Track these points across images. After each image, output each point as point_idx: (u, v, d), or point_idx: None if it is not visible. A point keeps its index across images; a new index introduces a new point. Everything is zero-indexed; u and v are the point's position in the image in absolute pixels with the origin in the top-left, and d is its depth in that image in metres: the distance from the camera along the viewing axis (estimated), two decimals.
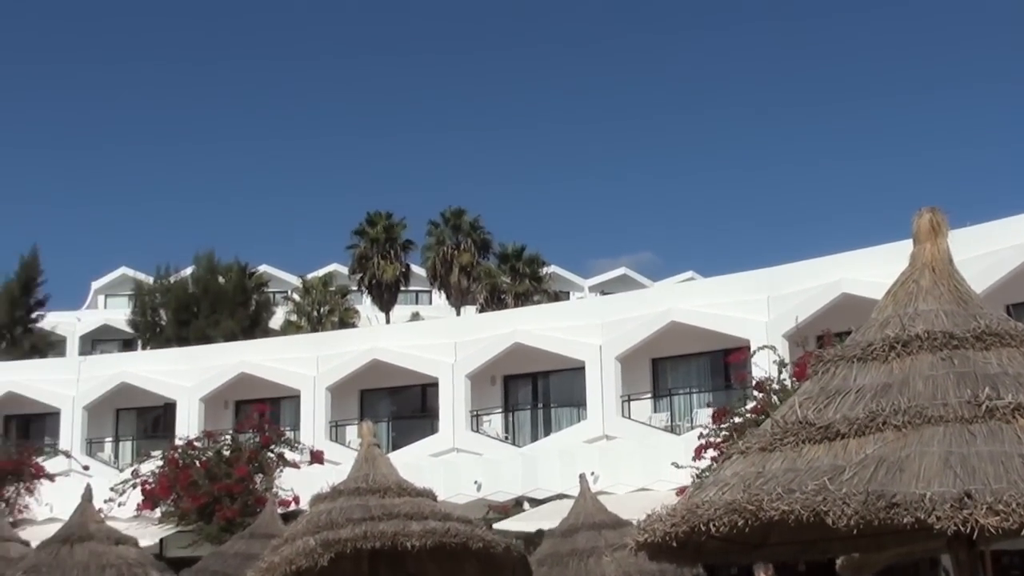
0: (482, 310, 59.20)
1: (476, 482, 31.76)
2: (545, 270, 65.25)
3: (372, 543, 10.58)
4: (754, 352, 28.74)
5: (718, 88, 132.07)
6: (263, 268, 65.06)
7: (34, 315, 59.85)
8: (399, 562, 12.11)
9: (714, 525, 6.69)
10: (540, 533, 22.57)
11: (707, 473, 23.52)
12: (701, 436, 25.64)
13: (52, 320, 61.78)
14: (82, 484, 34.00)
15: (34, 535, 29.45)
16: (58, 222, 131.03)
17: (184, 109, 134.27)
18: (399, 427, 39.42)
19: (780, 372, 25.12)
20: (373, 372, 38.83)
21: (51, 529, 27.83)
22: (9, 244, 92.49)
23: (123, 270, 72.71)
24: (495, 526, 25.44)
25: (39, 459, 39.43)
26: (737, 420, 24.90)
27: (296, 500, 31.01)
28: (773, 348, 27.00)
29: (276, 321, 60.12)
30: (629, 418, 34.51)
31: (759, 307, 32.27)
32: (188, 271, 60.63)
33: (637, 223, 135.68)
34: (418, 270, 66.66)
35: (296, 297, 62.11)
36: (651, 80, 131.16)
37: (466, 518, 11.72)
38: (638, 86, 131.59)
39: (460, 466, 33.03)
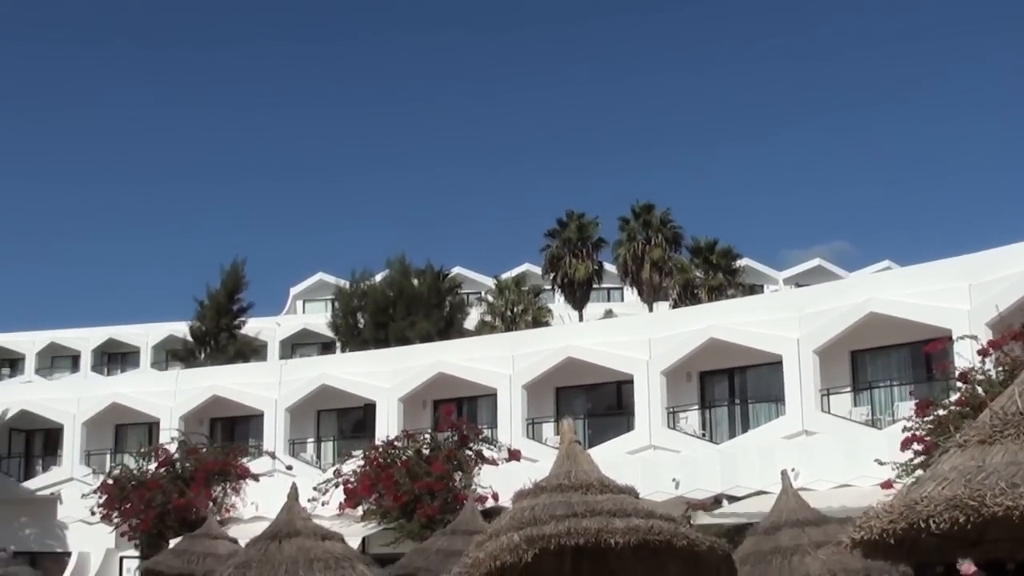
0: (675, 306, 58.80)
1: (674, 480, 31.44)
2: (738, 263, 64.47)
3: (575, 539, 10.52)
4: (955, 341, 27.94)
5: (909, 72, 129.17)
6: (456, 270, 65.79)
7: (237, 322, 61.55)
8: (602, 559, 12.02)
9: (934, 522, 6.45)
10: (741, 530, 22.28)
11: (915, 468, 22.94)
12: (906, 429, 24.95)
13: (254, 326, 63.46)
14: (285, 484, 34.76)
15: (241, 533, 30.29)
16: (259, 233, 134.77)
17: (374, 118, 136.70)
18: (595, 424, 39.32)
19: (984, 362, 24.32)
20: (568, 370, 38.84)
21: (257, 527, 28.51)
22: (215, 256, 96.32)
23: (320, 276, 74.31)
24: (694, 524, 25.24)
25: (244, 460, 40.47)
26: (941, 413, 24.18)
27: (495, 497, 31.20)
28: (975, 337, 26.18)
29: (471, 322, 60.67)
30: (829, 412, 33.79)
31: (960, 295, 31.25)
32: (383, 274, 61.56)
33: (829, 211, 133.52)
34: (610, 267, 66.51)
35: (490, 298, 62.59)
36: (834, 64, 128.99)
37: (669, 515, 11.58)
38: (825, 69, 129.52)
39: (657, 463, 32.75)
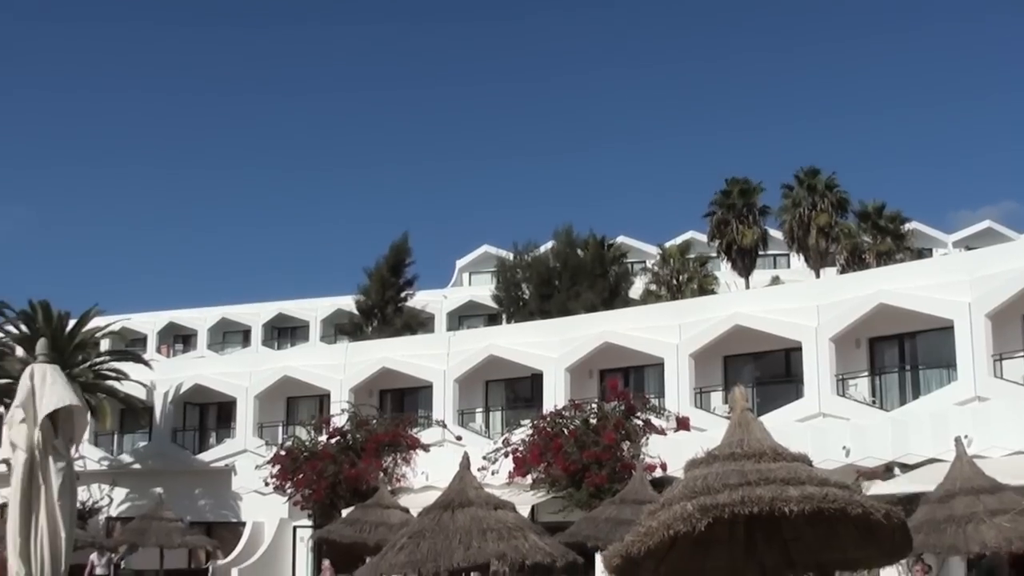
0: (843, 271, 57.76)
1: (844, 447, 30.95)
2: (906, 227, 63.07)
3: (749, 508, 10.41)
4: None
5: None
6: (620, 239, 65.50)
7: (404, 295, 62.18)
8: (774, 528, 11.89)
9: None
10: (913, 500, 21.86)
11: None
12: None
13: (420, 299, 64.08)
14: (455, 454, 35.20)
15: (411, 503, 30.70)
16: (426, 208, 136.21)
17: (538, 92, 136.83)
18: (763, 393, 38.83)
19: None
20: (735, 338, 38.43)
21: (427, 497, 28.87)
22: (382, 231, 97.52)
23: (485, 248, 74.75)
24: (866, 492, 24.85)
25: (414, 430, 40.96)
26: None
27: (663, 466, 31.11)
28: None
29: (635, 291, 60.40)
30: (1002, 378, 32.86)
31: None
32: (546, 246, 61.60)
33: (997, 171, 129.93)
34: (775, 234, 65.58)
35: (655, 267, 62.19)
36: (993, 23, 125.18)
37: (843, 483, 11.39)
38: (984, 28, 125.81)
39: (827, 431, 32.23)
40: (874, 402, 36.32)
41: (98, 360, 52.50)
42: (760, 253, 64.63)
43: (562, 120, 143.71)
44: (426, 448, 39.61)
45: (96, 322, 54.65)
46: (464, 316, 67.00)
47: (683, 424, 34.31)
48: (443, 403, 43.87)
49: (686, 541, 10.73)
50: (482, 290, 67.30)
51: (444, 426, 42.31)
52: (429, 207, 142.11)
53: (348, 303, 63.74)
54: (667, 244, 64.89)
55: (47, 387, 7.67)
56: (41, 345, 8.02)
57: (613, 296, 56.54)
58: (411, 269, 62.99)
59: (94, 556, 29.70)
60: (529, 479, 34.46)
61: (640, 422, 33.96)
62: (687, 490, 10.61)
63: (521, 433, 35.66)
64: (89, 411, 43.98)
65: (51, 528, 7.58)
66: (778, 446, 11.38)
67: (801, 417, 35.01)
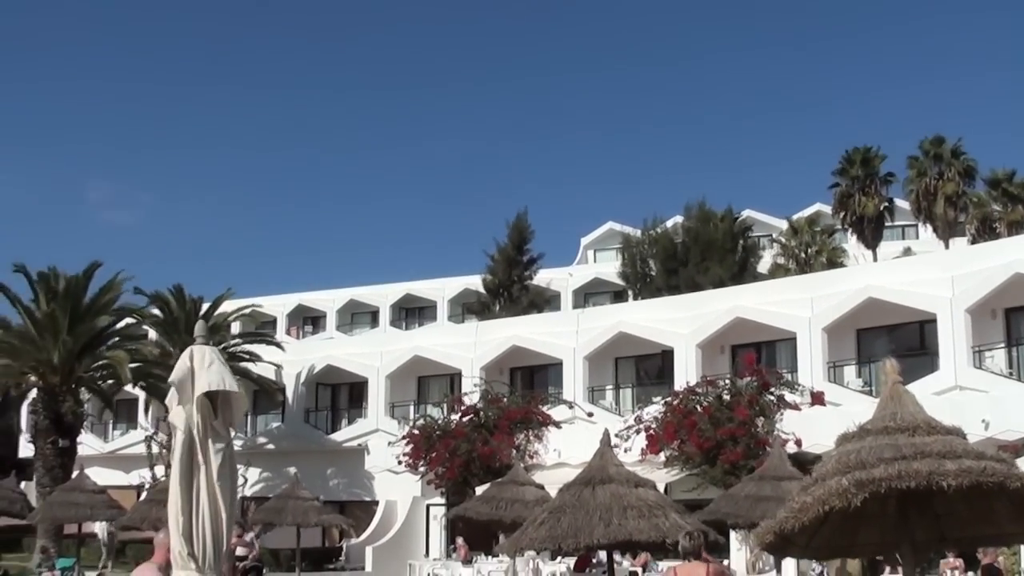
0: (973, 241, 56.50)
1: (983, 420, 30.36)
2: None
3: (905, 483, 10.19)
4: None
5: None
6: (747, 213, 64.74)
7: (529, 273, 62.25)
8: (927, 502, 11.65)
9: None
10: None
11: None
12: None
13: (545, 276, 64.08)
14: (587, 430, 35.23)
15: (545, 479, 30.70)
16: (550, 185, 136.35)
17: (659, 68, 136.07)
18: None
19: None
20: (868, 310, 37.88)
21: (561, 474, 28.87)
22: (507, 209, 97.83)
23: (610, 225, 74.47)
24: None
25: (545, 408, 40.98)
26: None
27: (798, 442, 30.78)
28: None
29: (763, 265, 59.76)
30: None
31: None
32: (672, 221, 61.19)
33: None
34: (902, 203, 64.37)
35: (782, 239, 61.41)
36: None
37: (1000, 456, 11.10)
38: None
39: (964, 404, 31.57)
40: (1011, 374, 35.56)
41: (231, 343, 53.40)
42: (887, 224, 63.45)
43: (683, 95, 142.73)
44: (558, 425, 39.63)
45: (227, 306, 55.60)
46: (590, 293, 66.77)
47: (817, 399, 33.86)
48: (573, 380, 43.88)
49: (837, 516, 10.57)
50: (607, 267, 67.02)
51: (572, 406, 42.31)
52: (553, 185, 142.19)
53: (475, 282, 63.93)
54: (794, 217, 63.99)
55: (205, 368, 7.75)
56: (199, 327, 8.11)
57: (741, 271, 56.00)
58: (536, 247, 63.25)
59: (249, 535, 30.32)
60: (662, 457, 34.29)
61: (773, 398, 33.61)
62: (841, 465, 10.43)
63: (653, 410, 35.48)
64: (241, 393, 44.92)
65: (212, 507, 7.67)
66: (931, 419, 11.15)
67: (937, 390, 34.36)
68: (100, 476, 44.31)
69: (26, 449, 56.14)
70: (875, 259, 57.77)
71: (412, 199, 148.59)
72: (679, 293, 48.66)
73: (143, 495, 39.60)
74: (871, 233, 61.34)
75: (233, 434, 8.05)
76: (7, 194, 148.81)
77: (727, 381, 34.89)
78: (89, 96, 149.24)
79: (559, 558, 30.82)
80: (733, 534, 30.02)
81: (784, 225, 62.95)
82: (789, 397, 33.70)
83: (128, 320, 52.16)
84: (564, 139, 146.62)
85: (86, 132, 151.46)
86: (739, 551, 32.23)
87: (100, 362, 47.96)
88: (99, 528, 39.84)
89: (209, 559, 7.60)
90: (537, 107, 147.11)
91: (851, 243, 64.42)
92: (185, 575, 7.60)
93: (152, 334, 53.67)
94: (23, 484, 43.27)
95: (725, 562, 26.23)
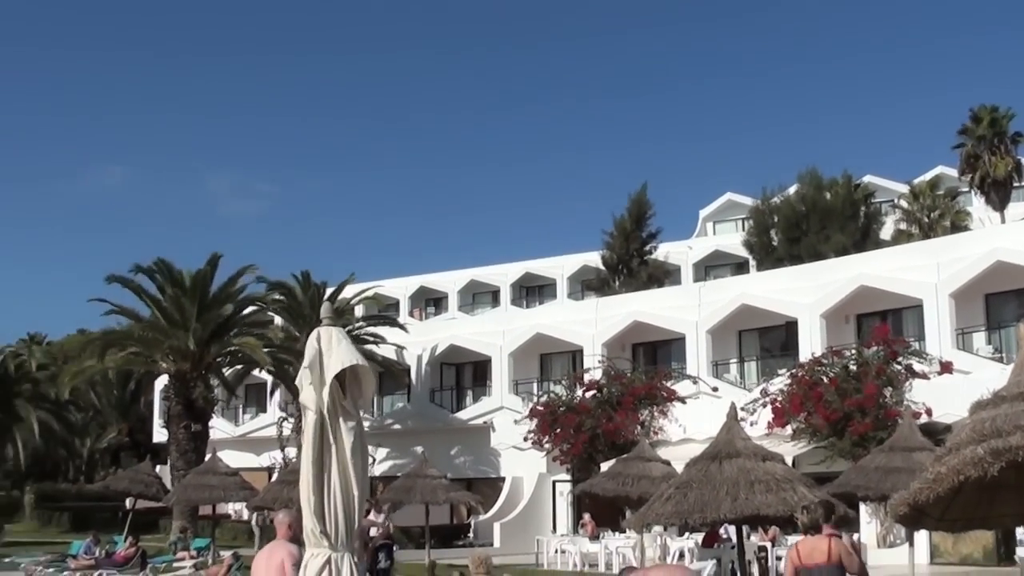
0: None
1: None
2: None
3: None
4: None
5: None
6: (867, 178, 63.62)
7: (648, 247, 61.93)
8: None
9: None
10: None
11: None
12: None
13: (665, 250, 63.69)
14: (711, 405, 35.05)
15: (670, 455, 30.59)
16: (666, 159, 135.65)
17: (775, 33, 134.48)
18: None
19: None
20: (997, 274, 36.99)
21: (686, 449, 28.75)
22: (624, 184, 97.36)
23: (728, 196, 73.78)
24: None
25: (668, 383, 40.82)
26: None
27: (928, 412, 30.30)
28: None
29: (886, 231, 58.73)
30: None
31: None
32: (792, 189, 60.40)
33: None
34: None
35: (904, 204, 60.24)
36: None
37: None
38: None
39: None
40: None
41: (356, 326, 54.04)
42: (1015, 185, 61.88)
43: (798, 59, 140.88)
44: (683, 400, 39.46)
45: (350, 290, 56.27)
46: (710, 266, 66.27)
47: (946, 368, 33.27)
48: (696, 355, 43.60)
49: (971, 487, 10.35)
50: (727, 239, 66.48)
51: (696, 381, 42.09)
52: (670, 157, 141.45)
53: (594, 259, 63.77)
54: (915, 181, 62.68)
55: (334, 349, 7.84)
56: (325, 308, 8.20)
57: (864, 238, 55.09)
58: (654, 221, 62.70)
59: (372, 515, 30.73)
60: (789, 430, 33.99)
61: (901, 367, 33.11)
62: (975, 433, 10.22)
63: (779, 383, 35.16)
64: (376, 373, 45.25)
65: (344, 486, 7.76)
66: None
67: None
68: (232, 459, 45.17)
69: (160, 434, 57.42)
70: (1003, 221, 56.39)
71: (530, 177, 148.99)
72: (801, 263, 47.98)
73: (274, 476, 40.26)
74: (999, 195, 59.88)
75: (362, 413, 8.14)
76: (132, 189, 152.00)
77: (853, 351, 34.44)
78: (210, 90, 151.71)
79: (687, 534, 30.72)
80: (863, 507, 29.66)
81: (905, 189, 61.70)
82: (917, 366, 33.19)
83: (253, 307, 53.01)
84: (683, 110, 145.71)
85: (207, 125, 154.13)
86: (869, 524, 31.85)
87: (229, 348, 48.82)
88: (252, 513, 40.45)
89: (341, 537, 7.70)
90: (653, 82, 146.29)
91: (976, 206, 62.99)
92: (318, 553, 7.71)
93: (278, 320, 54.45)
94: (158, 468, 44.21)
95: (856, 536, 25.90)
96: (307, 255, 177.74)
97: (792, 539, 27.05)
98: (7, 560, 35.47)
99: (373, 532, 23.25)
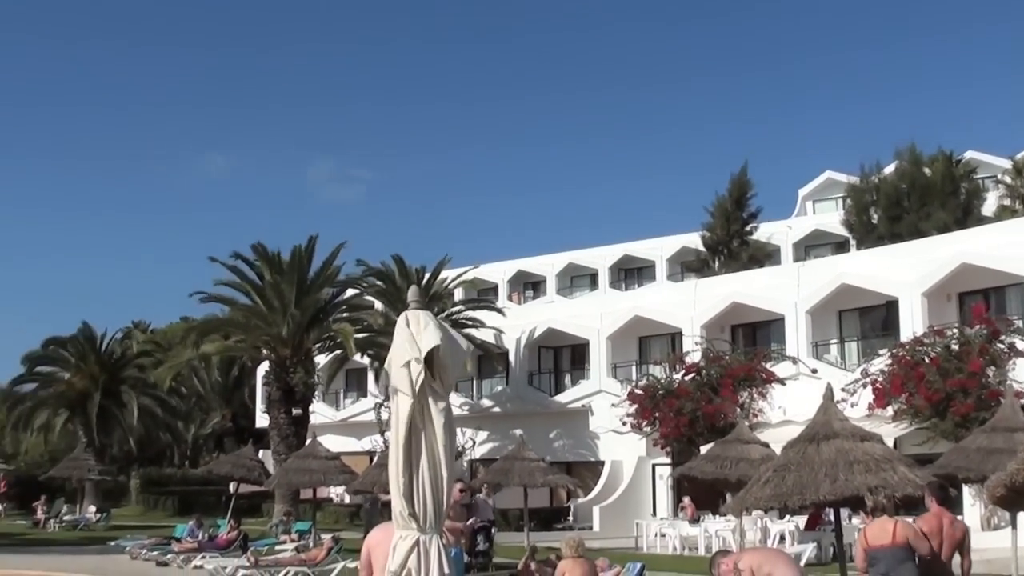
0: None
1: None
2: None
3: None
4: None
5: None
6: (969, 155, 62.45)
7: (748, 227, 61.42)
8: None
9: None
10: None
11: None
12: None
13: (765, 230, 63.10)
14: (811, 387, 34.69)
15: (770, 437, 30.39)
16: (764, 138, 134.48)
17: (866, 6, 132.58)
18: None
19: None
20: None
21: (786, 431, 28.48)
22: (721, 164, 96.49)
23: (828, 174, 72.85)
24: None
25: (768, 364, 40.49)
26: None
27: None
28: None
29: (988, 207, 57.64)
30: None
31: None
32: (891, 166, 59.48)
33: None
34: None
35: (1007, 180, 59.03)
36: None
37: None
38: None
39: None
40: None
41: (454, 310, 54.32)
42: None
43: (898, 35, 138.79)
44: (782, 382, 39.12)
45: (448, 274, 56.53)
46: (810, 246, 65.43)
47: None
48: (796, 335, 43.18)
49: None
50: (827, 218, 65.61)
51: (796, 362, 41.72)
52: (768, 137, 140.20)
53: (693, 240, 63.34)
54: (1018, 156, 61.37)
55: (422, 331, 7.86)
56: (412, 292, 8.22)
57: (966, 214, 54.09)
58: (754, 201, 62.13)
59: (480, 496, 30.99)
60: (890, 410, 33.58)
61: (1004, 346, 32.54)
62: None
63: (879, 363, 34.72)
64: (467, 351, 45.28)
65: (432, 468, 7.78)
66: None
67: None
68: (333, 443, 45.62)
69: (262, 419, 58.13)
70: None
71: (629, 158, 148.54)
72: (902, 241, 47.23)
73: (374, 460, 40.60)
74: None
75: (452, 395, 8.16)
76: (233, 177, 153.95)
77: (955, 330, 33.90)
78: (308, 78, 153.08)
79: (786, 516, 30.51)
80: (966, 489, 29.21)
81: (1008, 165, 60.44)
82: (1021, 345, 32.61)
83: (352, 291, 53.44)
84: (780, 89, 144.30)
85: (306, 113, 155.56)
86: (972, 507, 31.35)
87: (328, 334, 49.24)
88: (362, 497, 40.79)
89: (430, 518, 7.72)
90: (753, 60, 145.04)
91: None
92: (406, 535, 7.74)
93: (378, 305, 54.89)
94: (260, 452, 44.88)
95: (960, 518, 25.58)
96: (404, 240, 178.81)
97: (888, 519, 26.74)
98: (113, 543, 36.22)
99: (470, 521, 23.40)
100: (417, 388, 7.64)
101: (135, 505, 63.14)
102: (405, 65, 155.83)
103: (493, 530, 29.00)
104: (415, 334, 7.78)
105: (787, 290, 43.93)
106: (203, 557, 29.15)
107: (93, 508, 51.99)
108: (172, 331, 76.67)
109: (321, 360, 52.50)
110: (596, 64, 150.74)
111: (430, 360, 7.72)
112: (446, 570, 7.77)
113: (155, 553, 31.70)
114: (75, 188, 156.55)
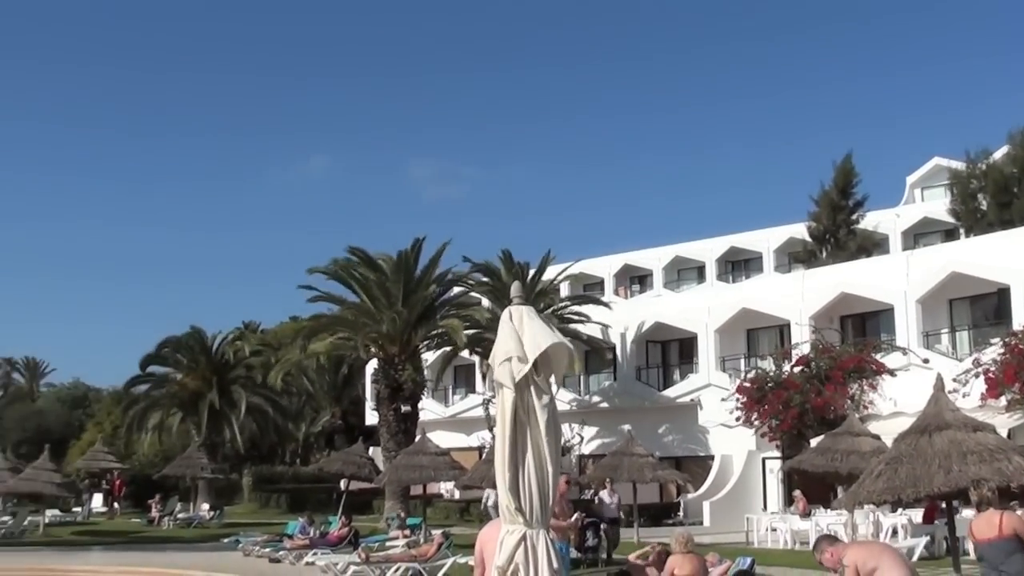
0: None
1: None
2: None
3: None
4: None
5: None
6: None
7: (854, 216, 60.63)
8: None
9: None
10: None
11: None
12: None
13: (872, 219, 62.24)
14: (922, 377, 34.14)
15: (881, 429, 30.00)
16: (870, 126, 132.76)
17: None
18: None
19: None
20: None
21: (897, 423, 28.12)
22: (827, 153, 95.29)
23: (936, 161, 71.65)
24: None
25: (877, 355, 39.94)
26: None
27: None
28: None
29: None
30: None
31: None
32: (1000, 152, 58.32)
33: None
34: None
35: None
36: None
37: None
38: None
39: None
40: None
41: (560, 305, 54.35)
42: None
43: (1008, 16, 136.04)
44: (892, 373, 38.56)
45: (554, 269, 56.54)
46: (919, 234, 64.38)
47: None
48: (906, 325, 42.57)
49: None
50: (936, 205, 64.56)
51: (906, 352, 41.11)
52: (875, 124, 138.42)
53: (800, 231, 62.68)
54: None
55: (525, 326, 7.89)
56: (515, 288, 8.25)
57: None
58: (860, 189, 61.20)
59: (604, 494, 31.09)
60: (1003, 400, 32.95)
61: None
62: None
63: (991, 352, 34.08)
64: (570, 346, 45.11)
65: (538, 463, 7.80)
66: None
67: None
68: (442, 439, 45.94)
69: (371, 417, 58.64)
70: None
71: (734, 149, 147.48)
72: (1013, 227, 46.30)
73: (483, 455, 40.75)
74: None
75: (555, 390, 8.19)
76: (338, 178, 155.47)
77: None
78: (410, 79, 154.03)
79: (899, 510, 30.11)
80: None
81: None
82: None
83: (459, 288, 53.69)
84: (885, 75, 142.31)
85: (408, 114, 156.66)
86: None
87: (435, 331, 49.47)
88: (486, 493, 40.94)
89: (536, 513, 7.75)
90: (858, 47, 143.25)
91: None
92: (513, 529, 7.78)
93: (484, 301, 55.08)
94: (370, 450, 45.24)
95: None
96: (508, 237, 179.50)
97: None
98: (226, 540, 36.80)
99: (575, 518, 23.38)
100: (520, 383, 7.67)
101: (247, 503, 64.03)
102: (507, 66, 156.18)
103: (603, 527, 28.99)
104: (518, 330, 7.81)
105: (896, 279, 43.31)
106: (315, 553, 29.45)
107: (206, 506, 52.84)
108: (282, 331, 77.55)
109: (429, 357, 52.82)
110: (699, 59, 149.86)
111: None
112: (555, 565, 7.79)
113: (268, 550, 32.12)
114: (187, 197, 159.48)
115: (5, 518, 43.82)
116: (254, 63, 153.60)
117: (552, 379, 7.99)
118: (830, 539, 11.63)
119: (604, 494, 31.29)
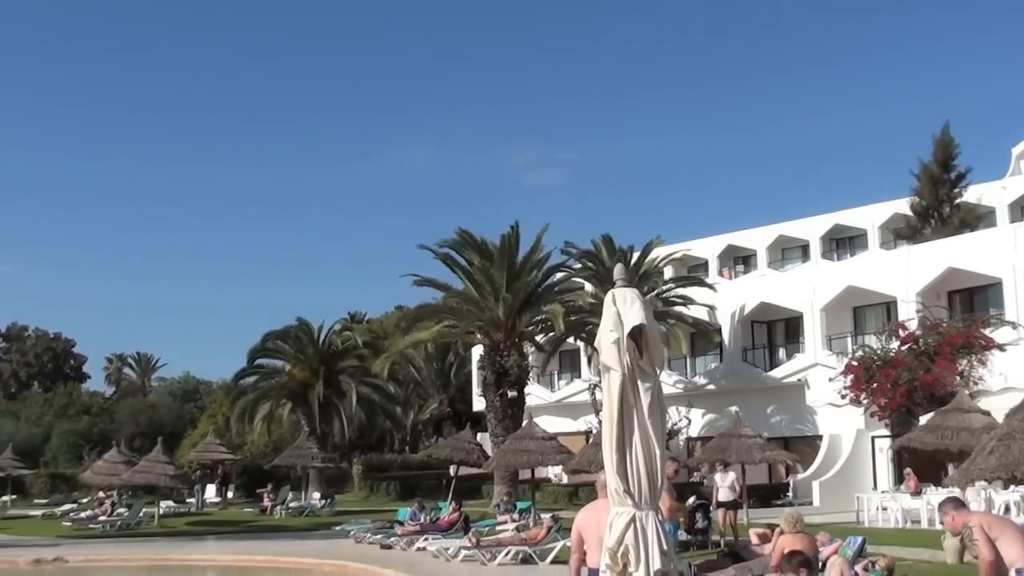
0: None
1: None
2: None
3: None
4: None
5: None
6: None
7: (957, 190, 59.71)
8: None
9: None
10: None
11: None
12: None
13: (976, 192, 61.26)
14: None
15: (991, 405, 29.58)
16: (974, 95, 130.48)
17: None
18: None
19: None
20: None
21: (1008, 399, 27.72)
22: (922, 127, 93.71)
23: None
24: None
25: (987, 330, 39.39)
26: None
27: None
28: None
29: None
30: None
31: None
32: None
33: None
34: None
35: None
36: None
37: None
38: None
39: None
40: None
41: (664, 288, 54.25)
42: None
43: None
44: (1002, 348, 38.01)
45: (657, 252, 56.41)
46: None
47: None
48: (1015, 299, 41.91)
49: None
50: None
51: (1016, 327, 40.48)
52: (978, 94, 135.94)
53: (903, 207, 61.86)
54: None
55: (628, 308, 7.99)
56: (618, 270, 8.35)
57: None
58: (962, 162, 60.17)
59: (718, 476, 31.06)
60: None
61: None
62: None
63: None
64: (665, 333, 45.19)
65: (645, 445, 7.90)
66: None
67: None
68: (549, 424, 46.02)
69: (479, 403, 59.00)
70: None
71: (834, 126, 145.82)
72: None
73: (590, 439, 40.87)
74: None
75: (660, 372, 8.28)
76: (439, 168, 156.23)
77: None
78: (510, 65, 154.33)
79: (1011, 487, 29.72)
80: None
81: None
82: None
83: (561, 274, 53.76)
84: (984, 46, 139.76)
85: (508, 100, 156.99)
86: None
87: (539, 316, 49.59)
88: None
89: (645, 495, 7.85)
90: (957, 18, 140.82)
91: None
92: (622, 511, 7.89)
93: (587, 286, 55.11)
94: (478, 435, 45.59)
95: None
96: (609, 221, 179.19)
97: None
98: (338, 528, 37.34)
99: (691, 500, 23.43)
100: (625, 366, 7.78)
101: (358, 490, 64.66)
102: (605, 54, 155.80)
103: (711, 508, 28.97)
104: (623, 312, 7.91)
105: (1004, 252, 42.68)
106: (425, 539, 29.80)
107: (317, 494, 53.52)
108: (387, 320, 78.25)
109: (538, 341, 53.04)
110: (798, 39, 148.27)
111: (637, 337, 7.85)
112: (664, 546, 7.88)
113: (379, 536, 32.54)
114: (292, 189, 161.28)
115: (121, 510, 44.73)
116: (354, 61, 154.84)
117: (656, 362, 8.08)
118: (956, 502, 11.37)
119: (717, 477, 31.22)
